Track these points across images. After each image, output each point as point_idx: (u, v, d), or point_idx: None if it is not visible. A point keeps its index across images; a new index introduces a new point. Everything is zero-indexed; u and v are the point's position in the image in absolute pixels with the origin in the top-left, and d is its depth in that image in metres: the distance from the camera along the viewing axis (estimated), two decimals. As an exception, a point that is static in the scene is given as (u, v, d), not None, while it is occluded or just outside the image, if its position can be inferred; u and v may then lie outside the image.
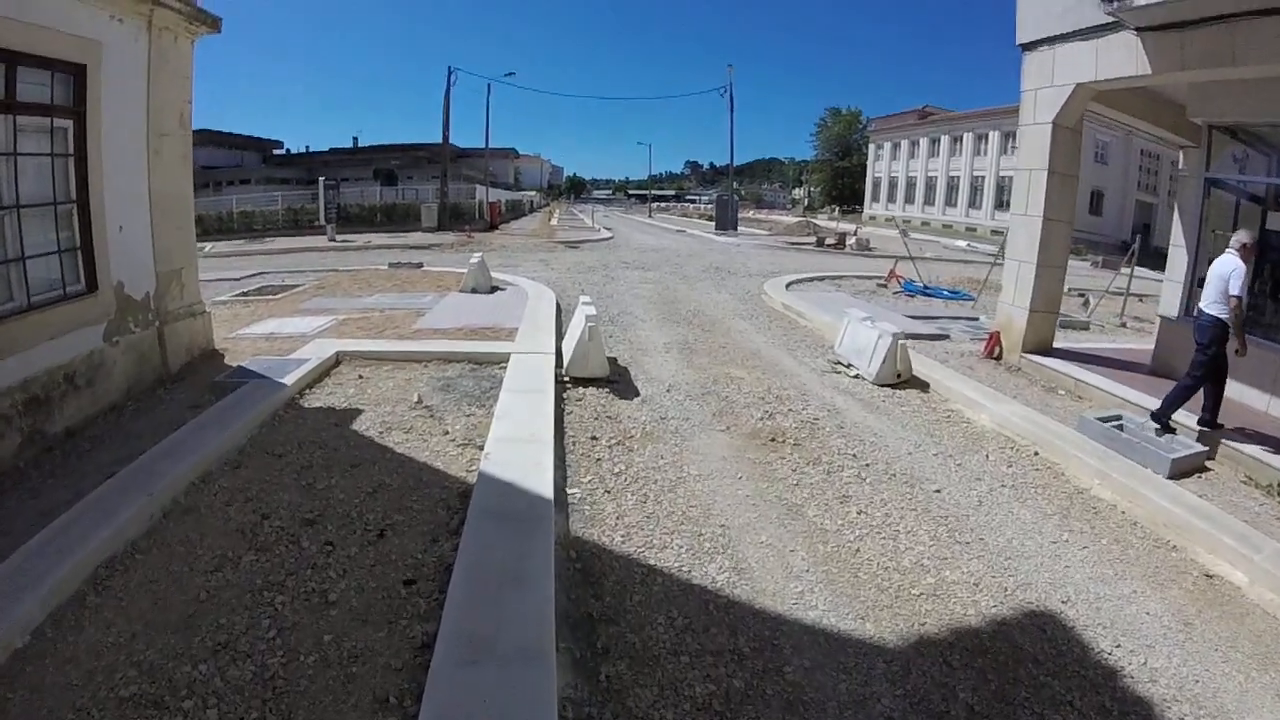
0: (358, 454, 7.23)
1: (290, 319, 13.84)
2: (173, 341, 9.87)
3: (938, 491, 7.38)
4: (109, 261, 8.54)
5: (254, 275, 22.17)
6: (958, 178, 70.87)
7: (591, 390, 9.93)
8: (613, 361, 11.21)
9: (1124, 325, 18.44)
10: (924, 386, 11.33)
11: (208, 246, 36.19)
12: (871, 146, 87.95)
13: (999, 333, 13.39)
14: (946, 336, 14.99)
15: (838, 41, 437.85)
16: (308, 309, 15.12)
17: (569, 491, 6.78)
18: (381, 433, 7.87)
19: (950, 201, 71.99)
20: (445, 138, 46.90)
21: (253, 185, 65.79)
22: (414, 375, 10.13)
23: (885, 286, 22.45)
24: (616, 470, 7.35)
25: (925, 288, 22.05)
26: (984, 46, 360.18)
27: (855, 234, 44.49)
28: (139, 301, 9.22)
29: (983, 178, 67.50)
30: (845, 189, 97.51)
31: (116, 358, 8.60)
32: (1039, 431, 9.01)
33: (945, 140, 73.00)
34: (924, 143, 76.39)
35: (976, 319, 17.01)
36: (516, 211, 71.17)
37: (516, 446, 7.06)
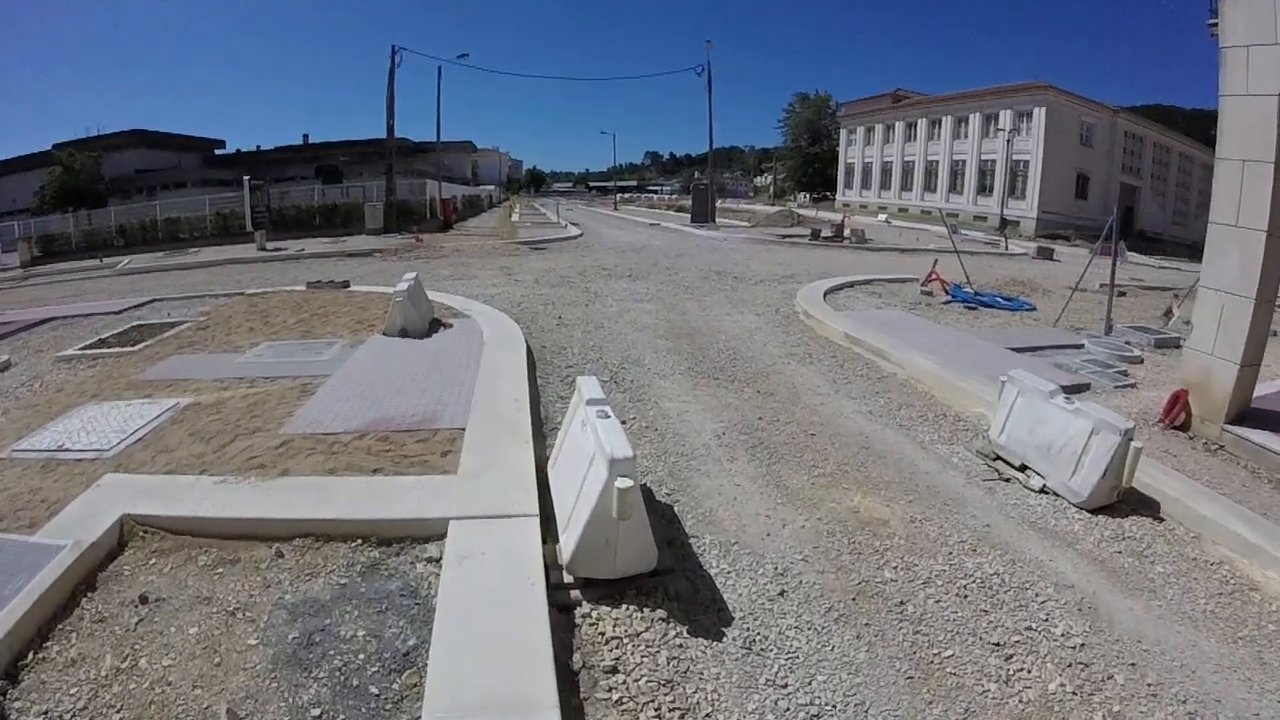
0: None
1: (112, 406, 8.71)
2: None
3: None
4: None
5: (143, 304, 17.54)
6: (936, 162, 69.10)
7: (625, 615, 4.69)
8: (645, 495, 6.05)
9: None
10: (1147, 505, 6.74)
11: (123, 261, 32.47)
12: (843, 132, 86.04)
13: (1185, 392, 8.88)
14: (1087, 386, 10.18)
15: (796, 25, 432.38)
16: (153, 379, 9.91)
17: None
18: None
19: (929, 187, 69.84)
20: (390, 127, 41.04)
21: (189, 189, 60.93)
22: (249, 591, 4.82)
23: (929, 294, 17.86)
24: None
25: (977, 294, 17.43)
26: (954, 27, 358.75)
27: (844, 223, 40.03)
28: None
29: (963, 162, 65.83)
30: (816, 175, 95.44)
31: None
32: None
33: (922, 124, 70.76)
34: (899, 127, 74.40)
35: (1081, 345, 12.34)
36: (474, 208, 66.28)
37: None
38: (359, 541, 5.31)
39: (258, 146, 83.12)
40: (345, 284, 18.48)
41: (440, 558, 4.94)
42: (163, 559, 5.31)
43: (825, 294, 16.79)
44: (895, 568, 5.49)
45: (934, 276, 18.66)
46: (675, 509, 6.26)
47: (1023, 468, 7.32)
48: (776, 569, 5.39)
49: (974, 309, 16.45)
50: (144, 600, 4.82)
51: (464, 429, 7.28)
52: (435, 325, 12.76)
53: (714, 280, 20.05)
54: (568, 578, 4.81)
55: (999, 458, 7.63)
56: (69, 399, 9.29)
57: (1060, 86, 58.28)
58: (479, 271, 21.94)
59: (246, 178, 35.25)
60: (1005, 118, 59.30)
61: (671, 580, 5.02)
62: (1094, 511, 6.53)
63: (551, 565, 4.91)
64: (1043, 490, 6.94)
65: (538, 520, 5.30)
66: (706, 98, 50.55)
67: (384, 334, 11.99)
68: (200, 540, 5.47)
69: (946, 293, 17.76)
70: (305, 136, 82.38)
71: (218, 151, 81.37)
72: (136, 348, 12.12)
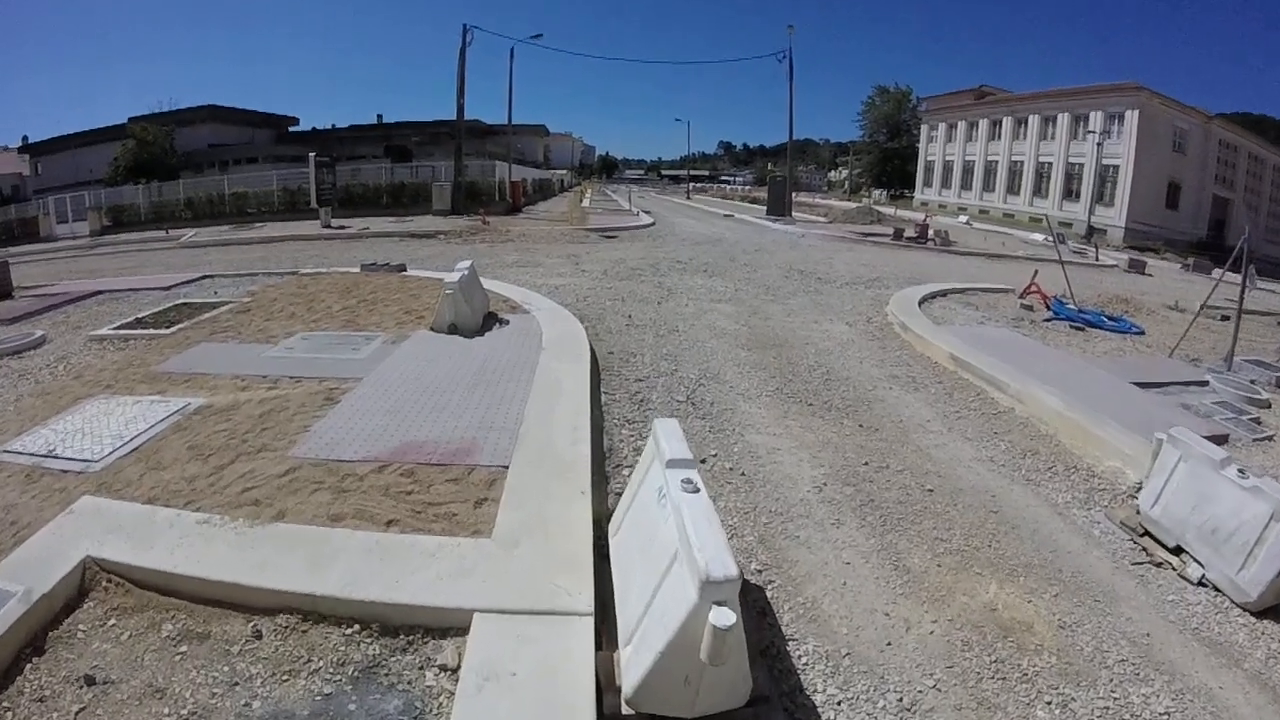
0: None
1: (120, 402, 7.80)
2: None
3: None
4: None
5: (193, 281, 17.00)
6: (1021, 163, 65.34)
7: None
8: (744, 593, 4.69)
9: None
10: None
11: (188, 234, 32.54)
12: (924, 128, 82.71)
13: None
14: (1225, 437, 8.52)
15: (875, 16, 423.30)
16: (172, 371, 8.95)
17: None
18: None
19: (1013, 189, 66.37)
20: (460, 107, 40.07)
21: (260, 164, 61.35)
22: (212, 688, 3.63)
23: (1030, 308, 16.18)
24: None
25: (1081, 312, 15.65)
26: (1040, 22, 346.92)
27: (928, 223, 38.00)
28: None
29: (1049, 164, 62.00)
30: (894, 172, 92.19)
31: None
32: None
33: (1007, 123, 67.22)
34: (983, 125, 70.89)
35: (1205, 382, 10.66)
36: (545, 192, 65.32)
37: None
38: (356, 628, 4.09)
39: (333, 125, 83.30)
40: (401, 267, 17.51)
41: (458, 667, 3.68)
42: (123, 621, 4.24)
43: (920, 303, 15.25)
44: (1050, 703, 4.09)
45: (1034, 289, 17.00)
46: (768, 594, 4.92)
47: (1177, 550, 5.85)
48: (901, 700, 4.03)
49: (1080, 329, 14.72)
50: (90, 681, 3.77)
51: (507, 468, 5.94)
52: (490, 320, 11.55)
53: (796, 280, 18.55)
54: (626, 709, 3.51)
55: (1147, 533, 6.16)
56: (83, 389, 8.48)
57: (1153, 88, 54.91)
58: (544, 259, 20.77)
59: (312, 154, 34.84)
60: (1095, 119, 55.88)
61: (765, 713, 3.70)
62: (1258, 614, 5.12)
63: (607, 684, 3.63)
64: (1200, 582, 5.48)
65: (591, 624, 3.95)
66: (786, 86, 48.28)
67: (431, 329, 10.82)
68: (168, 601, 4.36)
69: (1048, 308, 16.07)
70: (379, 116, 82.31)
71: (291, 129, 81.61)
72: (170, 330, 11.38)
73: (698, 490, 3.62)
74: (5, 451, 6.72)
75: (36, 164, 68.20)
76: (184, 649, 4.01)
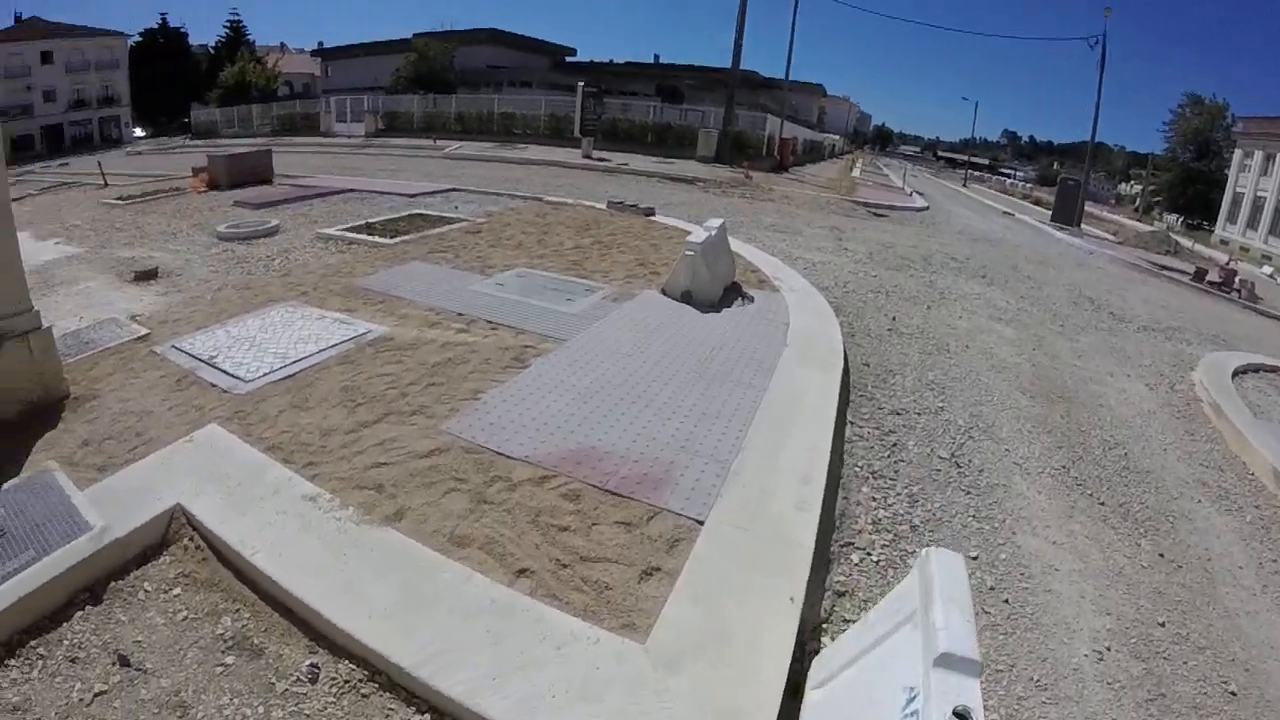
0: None
1: (303, 315, 7.41)
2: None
3: None
4: None
5: (439, 192, 17.51)
6: None
7: None
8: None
9: None
10: None
11: (453, 145, 35.05)
12: (1237, 153, 69.62)
13: None
14: None
15: (1194, 22, 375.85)
16: (370, 288, 8.46)
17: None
18: None
19: (1338, 243, 55.34)
20: (736, 55, 38.32)
21: (534, 89, 63.40)
22: None
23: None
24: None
25: None
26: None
27: (1234, 268, 32.57)
28: None
29: None
30: (1196, 197, 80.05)
31: None
32: None
33: None
34: None
35: None
36: (815, 154, 62.89)
37: None
38: (428, 718, 3.01)
39: (610, 60, 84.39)
40: (649, 211, 16.41)
41: None
42: (187, 594, 3.63)
43: (1232, 376, 12.33)
44: None
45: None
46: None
47: None
48: None
49: None
50: (124, 663, 3.20)
51: (702, 523, 4.28)
52: (731, 294, 9.96)
53: (1087, 311, 15.54)
54: None
55: None
56: (280, 290, 8.29)
57: None
58: (804, 227, 18.78)
59: (580, 84, 35.21)
60: None
61: None
62: None
63: None
64: None
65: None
66: (1092, 78, 42.69)
67: (662, 291, 9.49)
68: (238, 589, 3.65)
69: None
70: (656, 56, 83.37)
71: (567, 59, 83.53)
72: (392, 241, 11.22)
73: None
74: (174, 347, 6.38)
75: (326, 67, 75.65)
76: (229, 660, 3.26)
